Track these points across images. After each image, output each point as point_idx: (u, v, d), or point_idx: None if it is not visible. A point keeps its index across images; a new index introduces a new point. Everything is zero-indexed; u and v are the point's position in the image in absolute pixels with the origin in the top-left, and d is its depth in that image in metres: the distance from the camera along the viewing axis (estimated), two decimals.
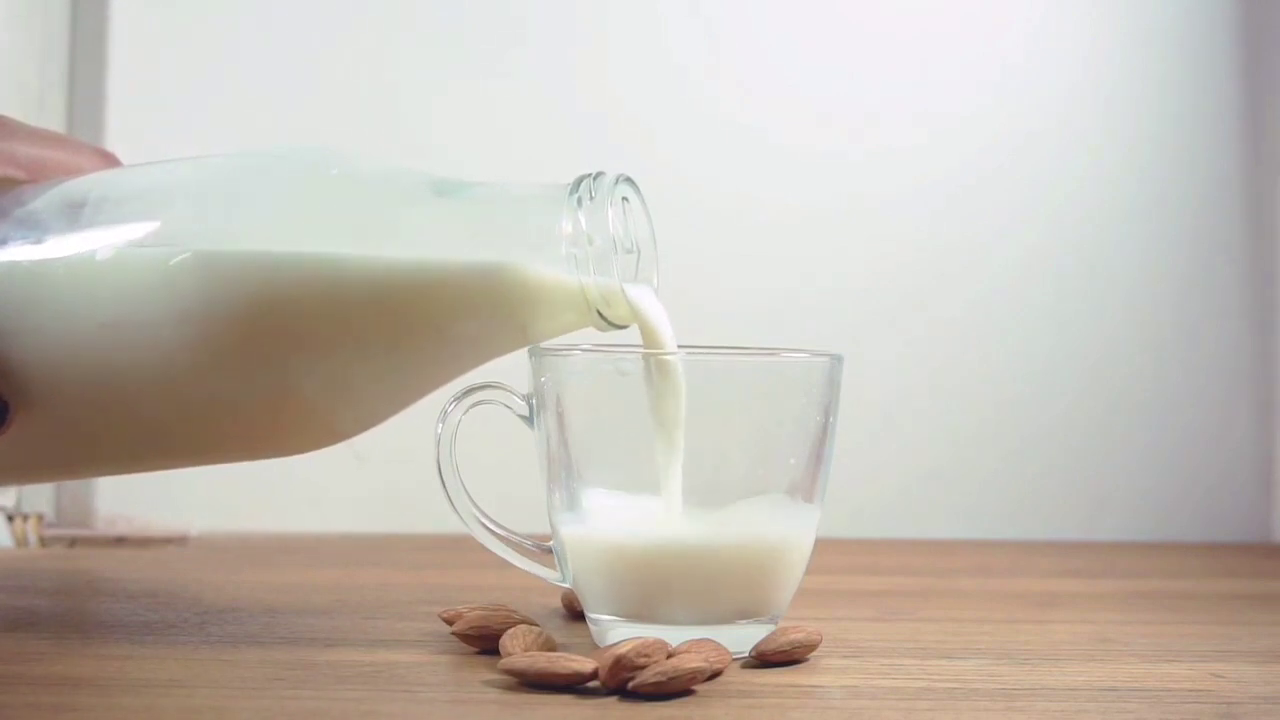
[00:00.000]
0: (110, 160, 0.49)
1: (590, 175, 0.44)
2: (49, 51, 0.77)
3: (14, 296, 0.43)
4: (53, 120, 0.77)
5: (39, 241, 0.44)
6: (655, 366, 0.43)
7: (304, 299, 0.42)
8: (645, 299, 0.44)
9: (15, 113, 0.49)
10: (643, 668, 0.40)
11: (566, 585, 0.47)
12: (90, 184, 0.46)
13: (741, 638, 0.44)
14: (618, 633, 0.44)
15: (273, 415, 0.44)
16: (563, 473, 0.45)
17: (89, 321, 0.43)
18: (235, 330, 0.42)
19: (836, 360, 0.46)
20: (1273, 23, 0.83)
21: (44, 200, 0.45)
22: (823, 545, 0.48)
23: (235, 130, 0.78)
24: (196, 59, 0.80)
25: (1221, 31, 0.83)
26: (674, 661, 0.40)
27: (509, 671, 0.41)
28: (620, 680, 0.40)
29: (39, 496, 0.76)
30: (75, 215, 0.44)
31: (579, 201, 0.43)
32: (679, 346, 0.44)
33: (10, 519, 0.74)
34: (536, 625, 0.45)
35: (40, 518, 0.75)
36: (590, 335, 0.46)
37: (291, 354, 0.43)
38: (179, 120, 0.79)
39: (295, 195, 0.44)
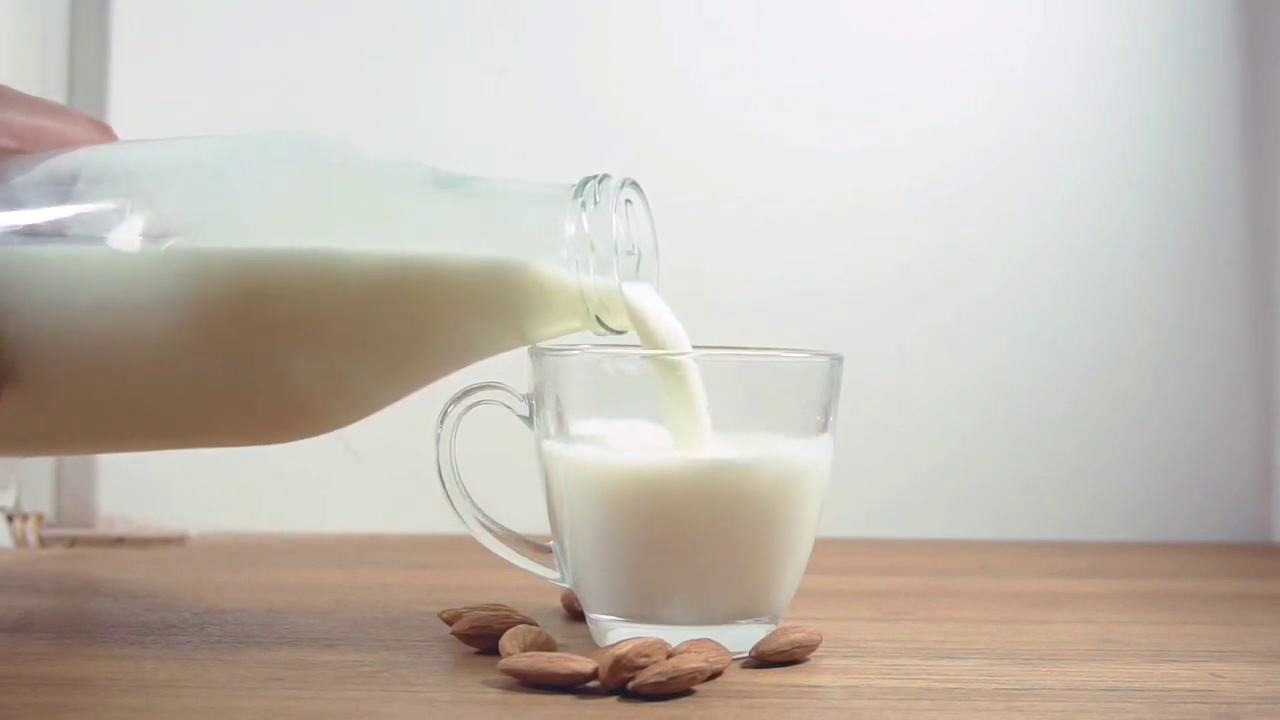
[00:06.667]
0: (106, 132, 0.48)
1: (595, 178, 0.44)
2: (48, 44, 0.77)
3: (3, 274, 0.43)
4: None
5: (29, 218, 0.43)
6: (662, 365, 0.43)
7: (298, 291, 0.42)
8: (644, 298, 0.44)
9: None
10: (643, 668, 0.40)
11: (566, 585, 0.47)
12: (83, 159, 0.45)
13: (741, 638, 0.44)
14: (618, 633, 0.44)
15: (262, 404, 0.43)
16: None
17: (80, 303, 0.42)
18: (227, 319, 0.41)
19: (836, 360, 0.46)
20: (1273, 23, 0.83)
21: (35, 174, 0.45)
22: (823, 545, 0.48)
23: (236, 119, 0.78)
24: (198, 47, 0.80)
25: (1221, 32, 0.83)
26: (674, 661, 0.40)
27: (509, 671, 0.41)
28: (620, 680, 0.40)
29: (39, 496, 0.76)
30: (66, 193, 0.43)
31: (583, 205, 0.43)
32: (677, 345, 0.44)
33: (10, 519, 0.74)
34: (536, 625, 0.45)
35: (40, 518, 0.74)
36: (591, 335, 0.45)
37: (283, 345, 0.42)
38: (180, 107, 0.79)
39: (294, 184, 0.43)
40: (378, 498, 0.79)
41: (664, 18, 0.82)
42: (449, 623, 0.46)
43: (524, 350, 0.46)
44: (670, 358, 0.43)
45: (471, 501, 0.47)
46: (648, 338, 0.44)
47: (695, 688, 0.40)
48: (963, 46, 0.83)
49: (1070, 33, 0.83)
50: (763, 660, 0.44)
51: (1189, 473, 0.82)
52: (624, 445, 0.44)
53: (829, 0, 0.82)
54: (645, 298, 0.44)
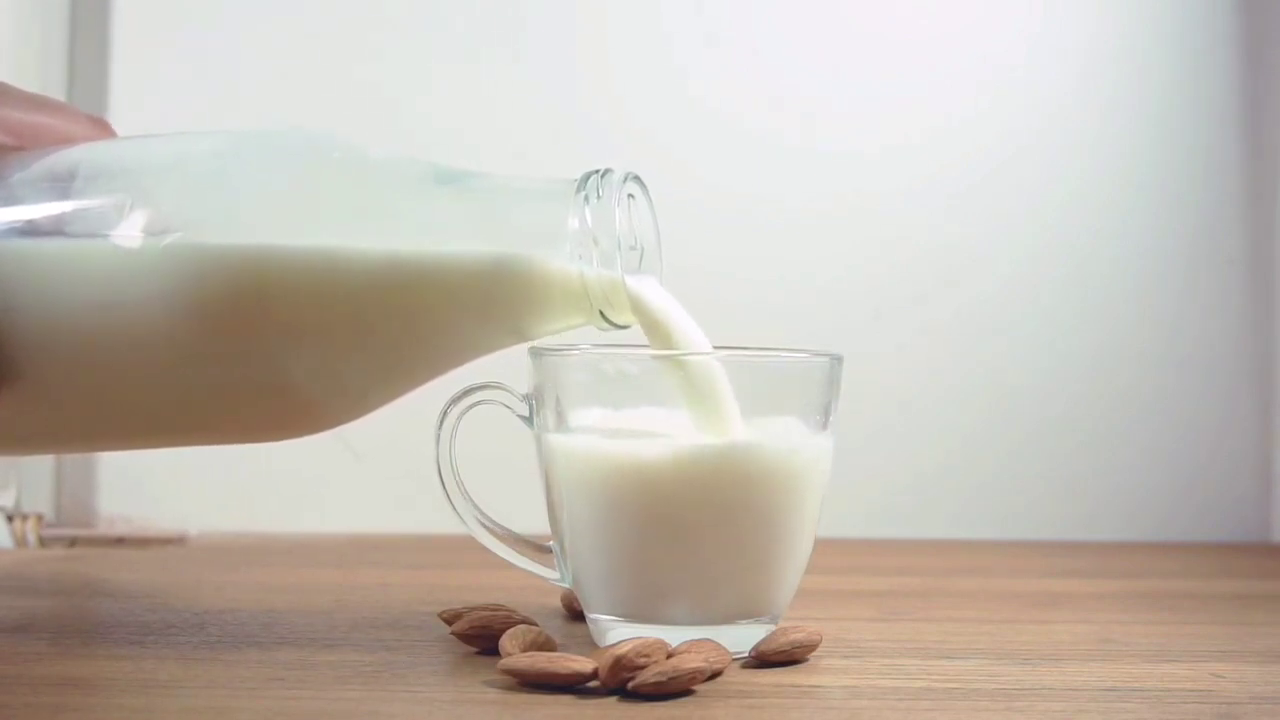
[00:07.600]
0: (104, 128, 0.48)
1: (598, 172, 0.44)
2: (48, 44, 0.77)
3: (2, 271, 0.42)
4: None
5: (28, 215, 0.43)
6: (674, 363, 0.43)
7: (298, 287, 0.41)
8: (650, 292, 0.44)
9: None
10: (643, 668, 0.40)
11: (566, 585, 0.47)
12: (82, 156, 0.45)
13: (741, 638, 0.44)
14: (617, 633, 0.44)
15: (262, 400, 0.43)
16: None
17: (79, 299, 0.42)
18: (226, 315, 0.41)
19: (836, 360, 0.46)
20: (1273, 23, 0.83)
21: (34, 171, 0.44)
22: (823, 545, 0.48)
23: (236, 119, 0.77)
24: (198, 47, 0.80)
25: (1221, 32, 0.83)
26: (674, 661, 0.40)
27: (509, 671, 0.41)
28: (620, 680, 0.40)
29: (39, 496, 0.76)
30: (65, 189, 0.43)
31: (586, 199, 0.43)
32: (679, 345, 0.44)
33: (10, 519, 0.74)
34: (536, 625, 0.45)
35: (40, 518, 0.74)
36: (591, 335, 0.45)
37: (283, 341, 0.42)
38: (180, 107, 0.79)
39: (294, 180, 0.43)
40: (378, 498, 0.79)
41: (664, 18, 0.82)
42: (449, 623, 0.46)
43: (524, 350, 0.46)
44: (681, 356, 0.43)
45: (471, 501, 0.47)
46: (654, 332, 0.44)
47: (695, 688, 0.40)
48: (963, 46, 0.83)
49: (1070, 33, 0.83)
50: (763, 660, 0.44)
51: (1189, 473, 0.82)
52: (621, 432, 0.44)
53: (829, 0, 0.82)
54: (651, 291, 0.44)
